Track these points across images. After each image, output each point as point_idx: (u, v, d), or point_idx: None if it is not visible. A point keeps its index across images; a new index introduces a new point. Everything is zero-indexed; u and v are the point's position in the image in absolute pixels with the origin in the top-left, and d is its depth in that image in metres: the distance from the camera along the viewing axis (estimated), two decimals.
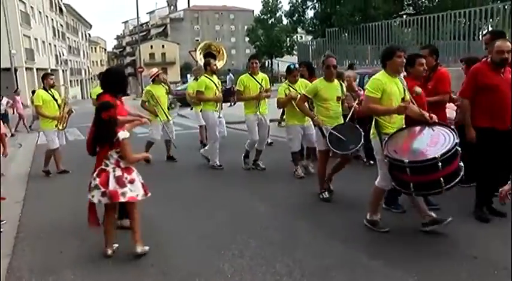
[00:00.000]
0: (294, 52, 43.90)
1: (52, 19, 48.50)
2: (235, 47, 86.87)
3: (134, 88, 49.97)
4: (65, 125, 7.57)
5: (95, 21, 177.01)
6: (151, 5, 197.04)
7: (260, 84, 7.06)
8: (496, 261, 3.50)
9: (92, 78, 70.96)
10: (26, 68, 35.22)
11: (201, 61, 9.25)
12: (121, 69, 5.36)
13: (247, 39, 57.86)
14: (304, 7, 25.11)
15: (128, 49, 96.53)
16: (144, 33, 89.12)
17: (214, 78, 7.66)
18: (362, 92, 6.08)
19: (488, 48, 4.85)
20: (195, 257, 3.90)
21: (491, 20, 11.98)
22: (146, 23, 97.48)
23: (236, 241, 4.19)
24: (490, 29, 11.75)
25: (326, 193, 5.46)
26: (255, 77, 7.12)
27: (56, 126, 7.38)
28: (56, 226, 4.86)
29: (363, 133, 5.04)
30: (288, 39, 48.90)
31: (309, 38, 27.86)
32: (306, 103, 5.81)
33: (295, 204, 5.37)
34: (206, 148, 7.86)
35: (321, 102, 5.49)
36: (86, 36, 72.26)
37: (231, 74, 22.11)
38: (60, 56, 48.85)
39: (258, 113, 7.08)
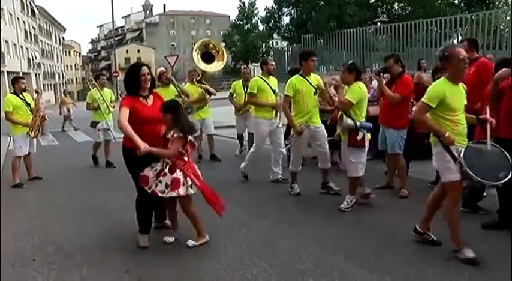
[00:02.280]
0: (270, 58, 44.15)
1: (24, 21, 47.37)
2: None
3: None
4: (37, 132, 7.29)
5: (69, 24, 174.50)
6: (127, 9, 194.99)
7: (314, 87, 5.73)
8: (469, 264, 3.57)
9: (65, 82, 69.48)
10: None
11: (198, 63, 7.85)
12: (129, 68, 4.38)
13: (223, 44, 57.86)
14: (280, 13, 25.26)
15: (103, 53, 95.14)
16: (120, 37, 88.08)
17: (271, 80, 6.58)
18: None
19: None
20: (172, 264, 3.87)
21: (460, 28, 12.35)
22: (121, 27, 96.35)
23: (213, 247, 4.18)
24: (460, 37, 12.11)
25: (469, 251, 3.65)
26: (307, 78, 5.76)
27: (28, 133, 7.07)
28: (27, 234, 4.74)
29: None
30: (263, 45, 49.25)
31: (285, 44, 28.03)
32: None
33: (272, 210, 5.38)
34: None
35: (445, 114, 3.68)
36: (59, 39, 70.87)
37: None
38: (32, 59, 47.72)
39: (310, 123, 5.72)
